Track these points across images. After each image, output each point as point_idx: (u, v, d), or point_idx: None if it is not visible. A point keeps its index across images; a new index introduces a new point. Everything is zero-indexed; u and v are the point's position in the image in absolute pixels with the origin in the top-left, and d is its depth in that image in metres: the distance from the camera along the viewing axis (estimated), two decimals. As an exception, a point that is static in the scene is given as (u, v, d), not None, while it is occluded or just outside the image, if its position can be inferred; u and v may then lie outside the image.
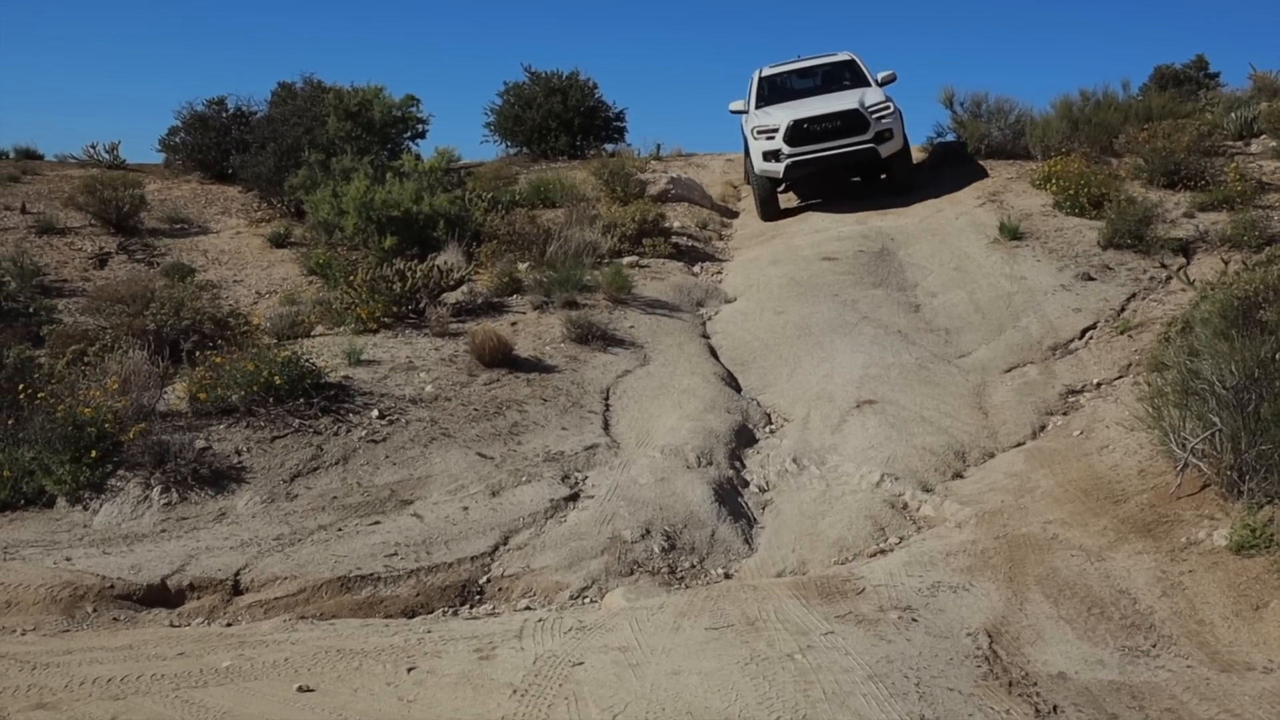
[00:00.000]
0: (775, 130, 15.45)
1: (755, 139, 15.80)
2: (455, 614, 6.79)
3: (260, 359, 9.00)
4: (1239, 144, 16.20)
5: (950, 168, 17.21)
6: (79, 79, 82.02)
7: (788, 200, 16.84)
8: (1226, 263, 10.74)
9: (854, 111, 15.31)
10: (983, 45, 73.92)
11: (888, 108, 15.51)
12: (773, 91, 16.97)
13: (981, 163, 17.08)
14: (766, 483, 8.60)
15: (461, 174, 17.95)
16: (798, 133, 15.30)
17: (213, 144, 20.12)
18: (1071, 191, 14.08)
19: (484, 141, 24.97)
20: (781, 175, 15.74)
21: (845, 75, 16.95)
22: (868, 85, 16.33)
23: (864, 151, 15.39)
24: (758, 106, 16.57)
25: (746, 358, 11.04)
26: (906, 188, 16.02)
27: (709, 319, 12.28)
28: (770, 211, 16.23)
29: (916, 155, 17.61)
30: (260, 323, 11.15)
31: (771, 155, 15.56)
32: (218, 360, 9.10)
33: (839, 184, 16.68)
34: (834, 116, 15.41)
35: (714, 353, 11.21)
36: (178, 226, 17.14)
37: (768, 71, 17.33)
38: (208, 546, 7.22)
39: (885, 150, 15.49)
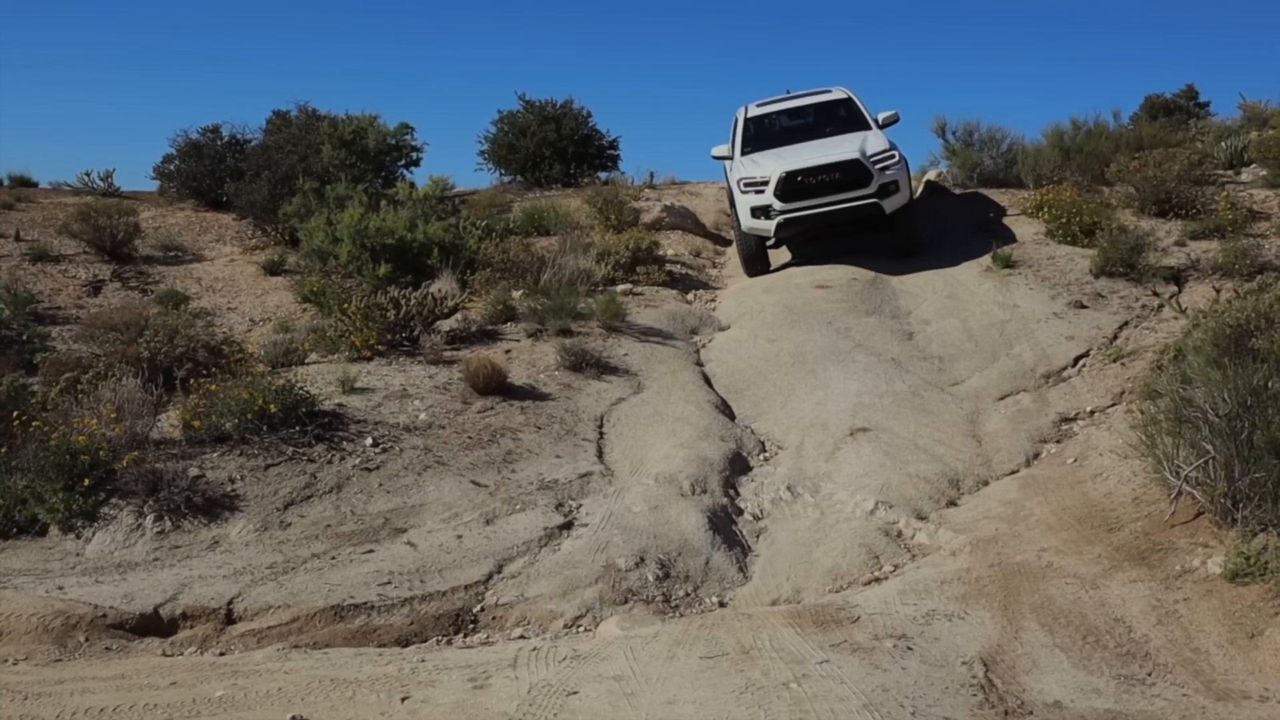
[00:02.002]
0: (765, 183, 13.70)
1: (742, 192, 14.03)
2: (449, 643, 6.76)
3: (254, 387, 8.99)
4: (1229, 173, 16.34)
5: (942, 196, 17.30)
6: (73, 105, 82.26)
7: (780, 255, 15.16)
8: (1218, 291, 10.78)
9: (855, 162, 13.52)
10: (973, 73, 74.42)
11: (892, 156, 13.79)
12: (760, 134, 15.20)
13: (981, 193, 17.12)
14: (761, 510, 8.59)
15: (455, 202, 18.02)
16: (791, 186, 13.55)
17: (207, 172, 20.20)
18: (1063, 220, 14.16)
19: (478, 169, 25.06)
20: (772, 234, 14.01)
21: (842, 115, 15.21)
22: (867, 128, 14.64)
23: (866, 208, 13.55)
24: (744, 152, 14.80)
25: (740, 385, 11.05)
26: (913, 249, 14.29)
27: (703, 346, 12.29)
28: (757, 269, 14.61)
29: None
30: (254, 350, 11.14)
31: (760, 211, 13.81)
32: (212, 388, 9.09)
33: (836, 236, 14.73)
34: (832, 168, 13.59)
35: (708, 380, 11.21)
36: (172, 254, 17.17)
37: (754, 111, 15.57)
38: (201, 575, 7.19)
39: (890, 205, 13.65)
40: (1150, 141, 17.01)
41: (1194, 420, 6.83)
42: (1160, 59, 64.14)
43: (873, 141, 14.05)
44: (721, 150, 15.24)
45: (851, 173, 13.51)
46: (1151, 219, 14.38)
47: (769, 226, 13.84)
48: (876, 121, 14.83)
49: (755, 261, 14.60)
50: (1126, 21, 68.54)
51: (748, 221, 14.06)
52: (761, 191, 13.72)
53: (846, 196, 13.51)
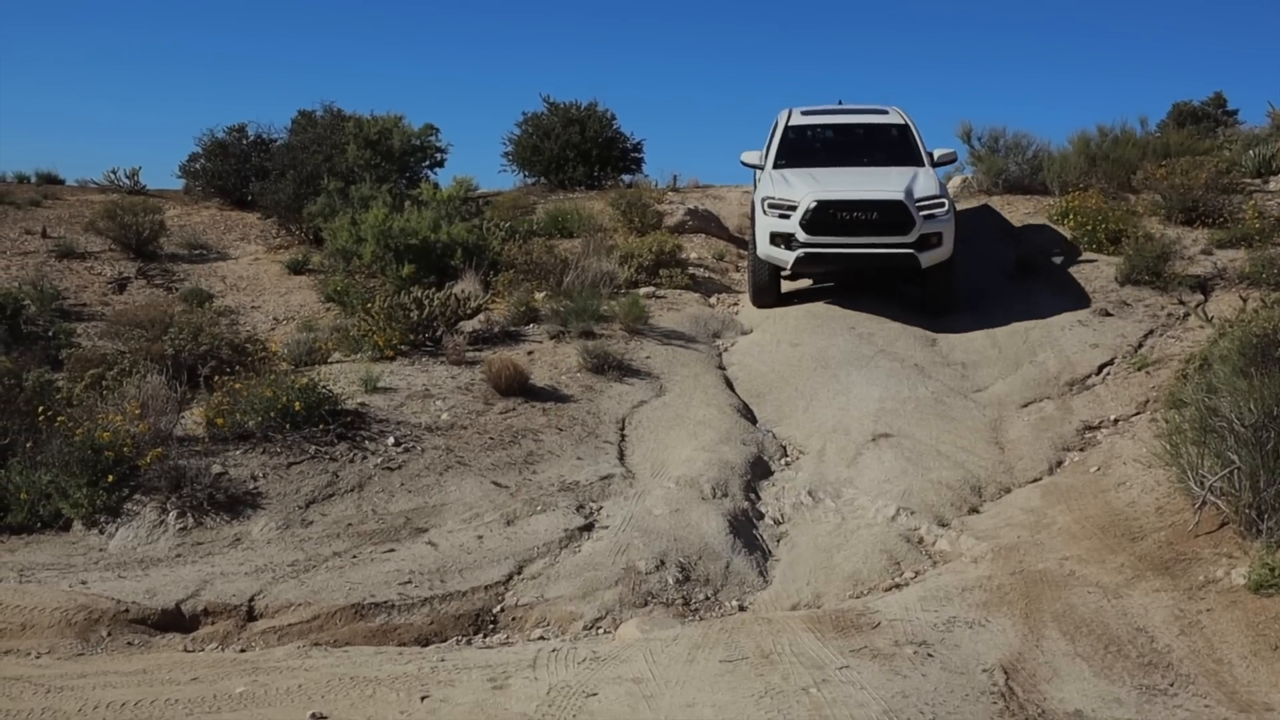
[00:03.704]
0: (792, 209, 12.16)
1: (765, 213, 12.48)
2: (469, 643, 6.76)
3: (278, 385, 9.03)
4: (1257, 181, 16.24)
5: (965, 202, 17.23)
6: (100, 103, 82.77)
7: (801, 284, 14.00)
8: (1245, 300, 10.72)
9: (898, 204, 11.94)
10: (1000, 79, 74.17)
11: (941, 204, 12.16)
12: (799, 147, 13.79)
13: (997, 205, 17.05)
14: (782, 515, 8.57)
15: (479, 203, 18.06)
16: (821, 218, 12.01)
17: (232, 171, 20.29)
18: (1089, 227, 14.12)
19: (502, 171, 25.07)
20: (789, 266, 12.53)
21: (893, 143, 13.71)
22: (919, 164, 13.07)
23: (899, 258, 12.03)
24: (776, 165, 13.32)
25: (762, 389, 11.03)
26: (944, 310, 12.67)
27: (725, 350, 12.27)
28: (767, 300, 13.23)
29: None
30: (278, 349, 11.18)
31: (781, 239, 12.26)
32: (235, 386, 9.14)
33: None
34: (870, 205, 12.02)
35: (730, 384, 11.20)
36: (197, 252, 17.26)
37: (797, 119, 14.15)
38: (223, 572, 7.23)
39: (927, 260, 12.03)
40: (1177, 149, 16.95)
41: (1219, 430, 6.79)
42: (1189, 67, 63.86)
43: (922, 182, 12.44)
44: (752, 157, 13.92)
45: (891, 215, 12.00)
46: (1178, 227, 14.31)
47: (787, 258, 12.36)
48: (931, 157, 13.31)
49: (765, 293, 13.23)
50: (1155, 29, 68.24)
51: (765, 248, 12.57)
52: (786, 217, 12.24)
53: (880, 241, 12.04)
